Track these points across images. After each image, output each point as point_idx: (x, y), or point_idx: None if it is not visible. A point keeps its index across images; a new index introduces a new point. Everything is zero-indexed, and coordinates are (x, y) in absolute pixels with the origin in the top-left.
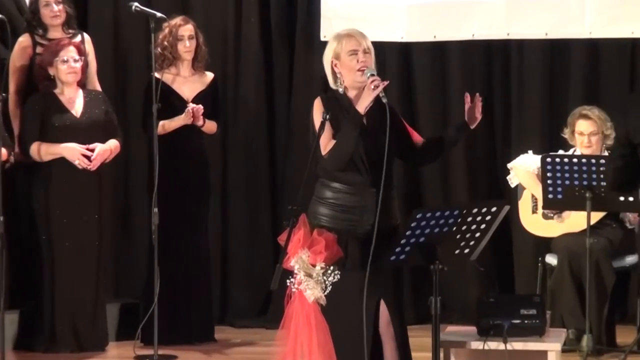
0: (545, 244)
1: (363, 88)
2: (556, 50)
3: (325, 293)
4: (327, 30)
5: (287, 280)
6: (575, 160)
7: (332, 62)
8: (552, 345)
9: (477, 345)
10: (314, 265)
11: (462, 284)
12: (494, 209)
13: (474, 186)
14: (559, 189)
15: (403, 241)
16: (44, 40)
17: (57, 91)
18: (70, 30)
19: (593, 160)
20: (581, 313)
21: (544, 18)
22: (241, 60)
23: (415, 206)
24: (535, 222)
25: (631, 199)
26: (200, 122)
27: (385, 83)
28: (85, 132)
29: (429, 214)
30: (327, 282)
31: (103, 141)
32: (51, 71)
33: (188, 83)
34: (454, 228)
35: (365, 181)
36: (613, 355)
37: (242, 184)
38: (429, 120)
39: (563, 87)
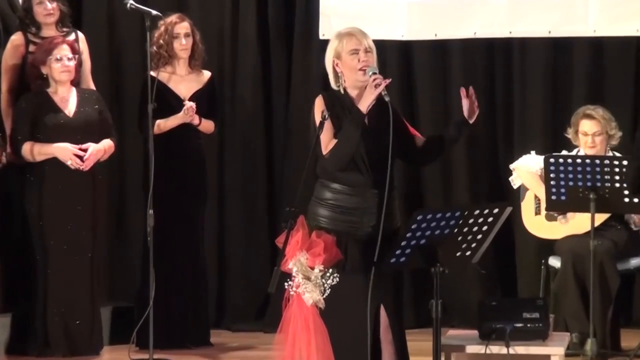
0: (548, 246)
1: (365, 87)
2: (559, 49)
3: (324, 296)
4: (326, 28)
5: (285, 283)
6: (579, 160)
7: (333, 61)
8: (555, 350)
9: (478, 349)
10: (312, 268)
11: (464, 287)
12: (496, 211)
13: (475, 187)
14: (563, 190)
15: (403, 243)
16: (37, 39)
17: (50, 90)
18: (64, 29)
19: (597, 161)
20: (585, 316)
21: (546, 16)
22: (238, 58)
23: (416, 207)
24: (538, 223)
25: (636, 200)
26: (196, 121)
27: (388, 81)
28: (79, 131)
29: (429, 215)
30: (325, 285)
31: (97, 141)
32: (44, 70)
33: (184, 82)
34: (455, 230)
35: (367, 182)
36: None
37: (239, 184)
38: (430, 120)
39: (566, 87)
